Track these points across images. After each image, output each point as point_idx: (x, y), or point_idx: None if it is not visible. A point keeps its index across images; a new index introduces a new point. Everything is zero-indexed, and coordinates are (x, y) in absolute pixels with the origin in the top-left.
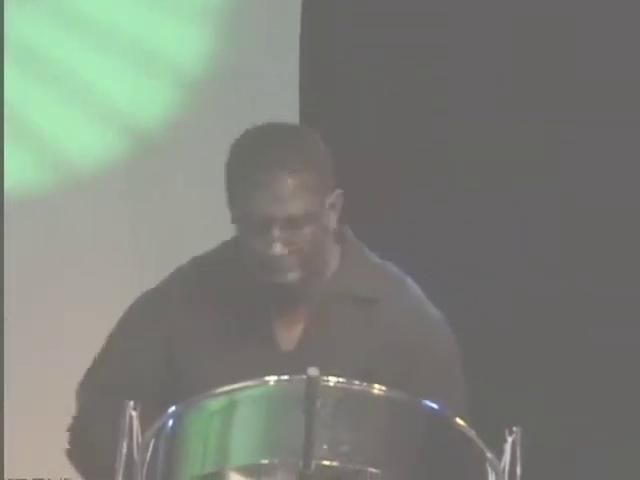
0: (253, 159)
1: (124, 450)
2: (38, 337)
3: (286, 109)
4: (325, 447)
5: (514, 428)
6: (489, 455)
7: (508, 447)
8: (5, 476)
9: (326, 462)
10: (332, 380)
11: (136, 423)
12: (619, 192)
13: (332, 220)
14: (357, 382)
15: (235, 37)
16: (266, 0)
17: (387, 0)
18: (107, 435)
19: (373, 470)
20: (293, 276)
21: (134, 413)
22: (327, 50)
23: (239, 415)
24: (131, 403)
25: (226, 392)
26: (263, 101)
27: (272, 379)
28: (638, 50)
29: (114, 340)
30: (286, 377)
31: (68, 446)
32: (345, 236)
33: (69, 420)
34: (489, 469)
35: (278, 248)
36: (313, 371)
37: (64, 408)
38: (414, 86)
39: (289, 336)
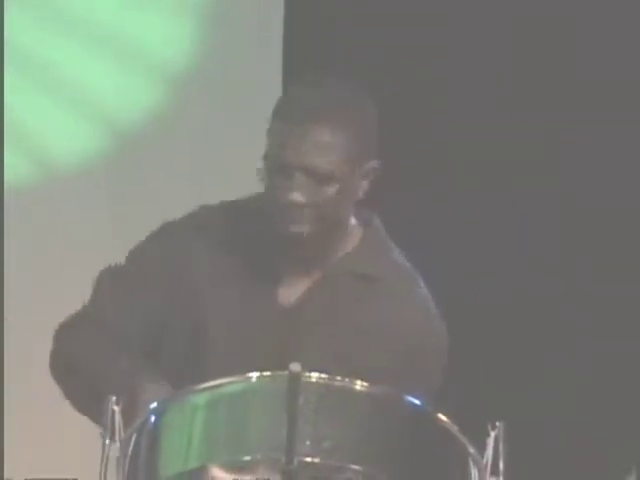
0: (292, 108)
1: (107, 447)
2: (36, 334)
3: (271, 104)
4: (307, 443)
5: (497, 423)
6: (471, 450)
7: (491, 442)
8: (5, 476)
9: (308, 459)
10: (314, 376)
11: (118, 418)
12: (619, 192)
13: (361, 189)
14: (339, 378)
15: (218, 33)
16: None
17: (370, 5)
18: (100, 367)
19: (355, 467)
20: (306, 229)
21: (116, 408)
22: (311, 45)
23: (221, 411)
24: (113, 398)
25: (208, 388)
26: (247, 97)
27: (254, 375)
28: (638, 50)
29: (123, 273)
30: (268, 373)
31: (55, 365)
32: (371, 222)
33: (69, 420)
34: (472, 464)
35: (295, 195)
36: (295, 366)
37: (64, 408)
38: (411, 84)
39: (289, 294)
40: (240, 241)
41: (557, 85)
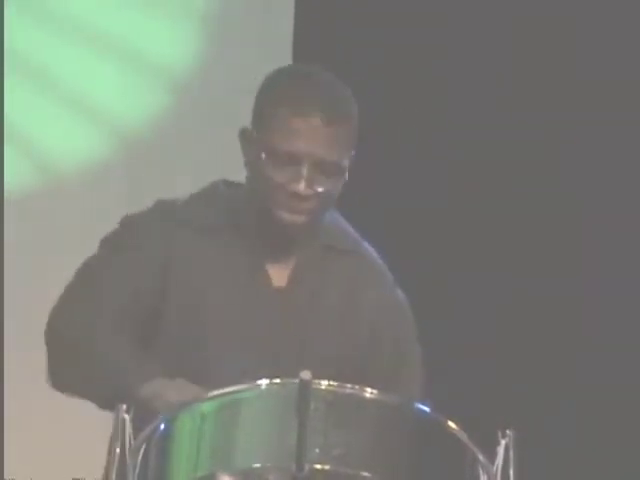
0: (293, 100)
1: (116, 453)
2: (35, 336)
3: None
4: (317, 451)
5: (507, 431)
6: (482, 458)
7: (501, 450)
8: (5, 476)
9: (318, 466)
10: (323, 383)
11: (128, 426)
12: (620, 192)
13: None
14: (349, 385)
15: (222, 36)
16: (256, 1)
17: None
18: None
19: (365, 474)
20: (304, 220)
21: (126, 416)
22: (320, 49)
23: (231, 418)
24: (123, 406)
25: (217, 395)
26: (252, 100)
27: (264, 382)
28: (638, 50)
29: (114, 257)
30: (278, 380)
31: (52, 338)
32: None
33: (69, 420)
34: (481, 472)
35: (303, 186)
36: (306, 374)
37: (64, 408)
38: (416, 82)
39: (280, 274)
40: (228, 226)
41: (557, 85)
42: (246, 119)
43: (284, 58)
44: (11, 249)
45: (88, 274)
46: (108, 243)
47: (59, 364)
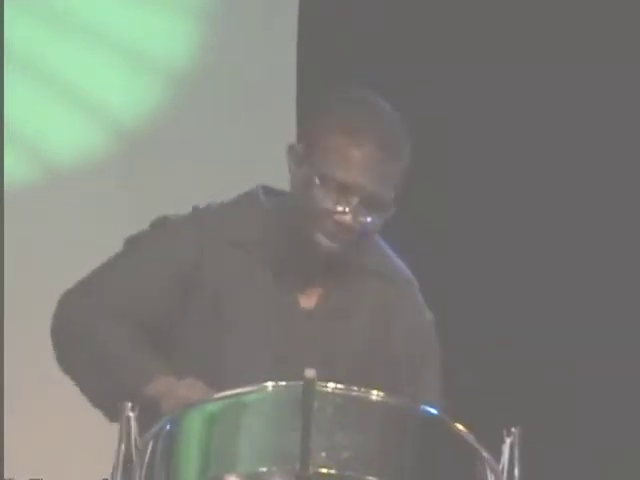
0: (352, 130)
1: (122, 452)
2: (35, 334)
3: (280, 103)
4: (323, 454)
5: (512, 429)
6: (487, 457)
7: (506, 448)
8: (5, 476)
9: (324, 470)
10: (330, 386)
11: (134, 425)
12: (622, 192)
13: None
14: (355, 388)
15: (224, 32)
16: None
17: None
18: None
19: (372, 478)
20: (341, 249)
21: (132, 414)
22: (324, 45)
23: (237, 421)
24: (129, 405)
25: (224, 397)
26: (256, 97)
27: (270, 384)
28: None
29: (133, 257)
30: (284, 383)
31: (61, 332)
32: None
33: (70, 420)
34: (488, 471)
35: (350, 217)
36: (310, 372)
37: (64, 408)
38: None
39: (309, 295)
40: (261, 243)
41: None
42: (249, 114)
43: (287, 55)
44: (11, 246)
45: (101, 268)
46: (132, 241)
47: (66, 353)
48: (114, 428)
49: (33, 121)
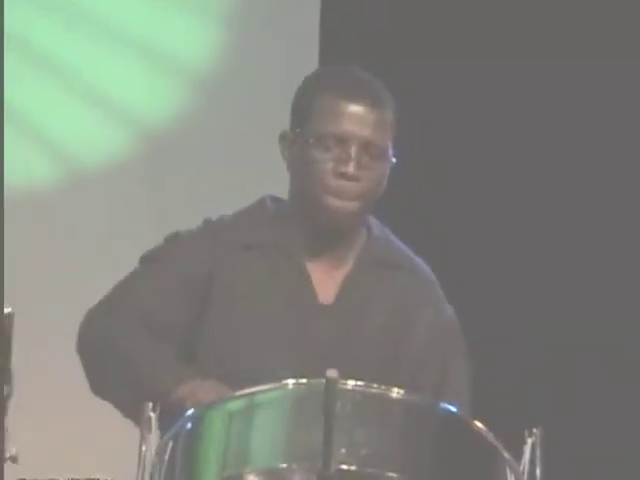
0: (339, 86)
1: (143, 451)
2: (43, 337)
3: None
4: (343, 451)
5: (534, 429)
6: (508, 457)
7: (527, 449)
8: (5, 476)
9: (344, 466)
10: (350, 383)
11: (154, 424)
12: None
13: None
14: (375, 385)
15: (250, 36)
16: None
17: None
18: (143, 360)
19: (391, 474)
20: (354, 206)
21: (152, 415)
22: (346, 46)
23: (258, 418)
24: (150, 405)
25: (245, 395)
26: (278, 99)
27: (290, 382)
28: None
29: (154, 270)
30: (304, 380)
31: (88, 345)
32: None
33: (70, 420)
34: (508, 471)
35: (352, 166)
36: (332, 373)
37: (65, 408)
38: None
39: (327, 290)
40: (275, 243)
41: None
42: (271, 118)
43: (311, 57)
44: (33, 248)
45: (119, 287)
46: (147, 259)
47: (94, 372)
48: (131, 428)
49: (57, 123)
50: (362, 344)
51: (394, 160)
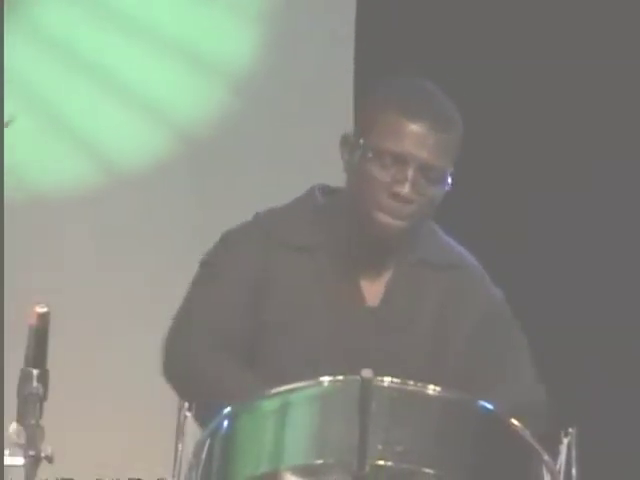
0: (403, 104)
1: (180, 450)
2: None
3: (339, 103)
4: (379, 447)
5: (570, 429)
6: (545, 456)
7: (564, 448)
8: (41, 475)
9: (380, 462)
10: (386, 380)
11: (191, 423)
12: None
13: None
14: (411, 382)
15: (287, 38)
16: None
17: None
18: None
19: (427, 470)
20: (403, 225)
21: (188, 414)
22: (381, 48)
23: (293, 415)
24: (186, 404)
25: (280, 392)
26: (314, 101)
27: (326, 379)
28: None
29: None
30: (340, 377)
31: (175, 372)
32: None
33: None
34: (545, 470)
35: (407, 187)
36: (367, 372)
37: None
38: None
39: (373, 292)
40: (323, 245)
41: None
42: (309, 118)
43: (346, 58)
44: (76, 249)
45: (187, 305)
46: (206, 264)
47: (186, 396)
48: (166, 427)
49: (98, 125)
50: (409, 344)
51: (451, 184)
